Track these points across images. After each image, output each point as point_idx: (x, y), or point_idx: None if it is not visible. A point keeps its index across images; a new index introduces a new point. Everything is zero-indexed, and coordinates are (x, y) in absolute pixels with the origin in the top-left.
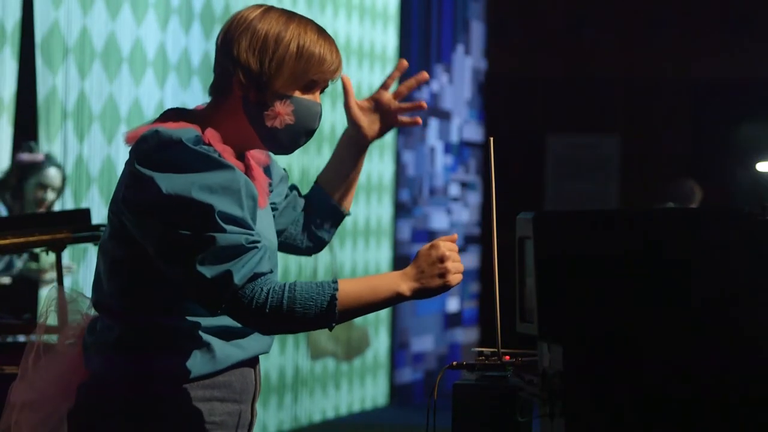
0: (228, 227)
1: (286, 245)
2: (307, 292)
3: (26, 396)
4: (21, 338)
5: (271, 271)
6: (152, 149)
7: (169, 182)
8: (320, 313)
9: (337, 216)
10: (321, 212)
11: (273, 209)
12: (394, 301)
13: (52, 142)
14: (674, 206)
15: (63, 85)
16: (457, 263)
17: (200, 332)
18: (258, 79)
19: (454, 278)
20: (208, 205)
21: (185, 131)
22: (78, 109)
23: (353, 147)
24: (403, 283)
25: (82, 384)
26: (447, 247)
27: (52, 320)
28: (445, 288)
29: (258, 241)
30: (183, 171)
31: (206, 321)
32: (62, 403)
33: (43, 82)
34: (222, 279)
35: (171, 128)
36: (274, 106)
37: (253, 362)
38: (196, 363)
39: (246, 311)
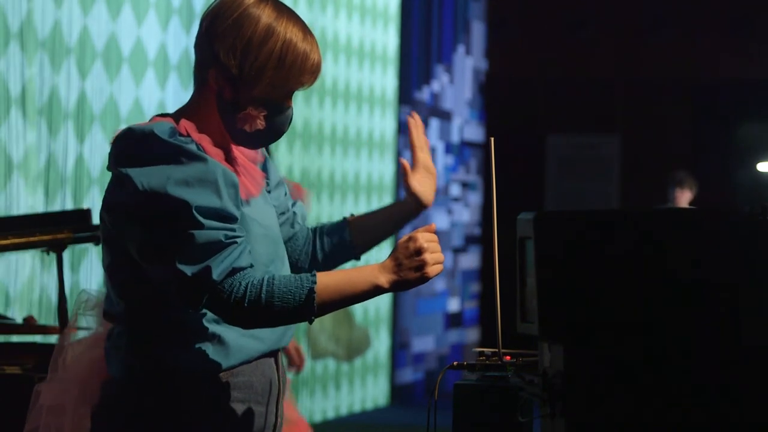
0: (206, 222)
1: None
2: (286, 285)
3: (55, 398)
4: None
5: (251, 266)
6: (126, 145)
7: (144, 178)
8: (299, 306)
9: (347, 258)
10: (335, 249)
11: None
12: (372, 293)
13: (53, 141)
14: (670, 194)
15: (64, 85)
16: (436, 254)
17: (207, 324)
18: (236, 82)
19: (433, 270)
20: (184, 202)
21: (158, 124)
22: (78, 109)
23: (406, 213)
24: (381, 275)
25: (104, 384)
26: (425, 238)
27: (82, 323)
28: (424, 280)
29: (238, 236)
30: (157, 163)
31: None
32: (87, 403)
33: (45, 81)
34: (201, 275)
35: (144, 125)
36: (247, 109)
37: (272, 356)
38: (209, 357)
39: (225, 306)
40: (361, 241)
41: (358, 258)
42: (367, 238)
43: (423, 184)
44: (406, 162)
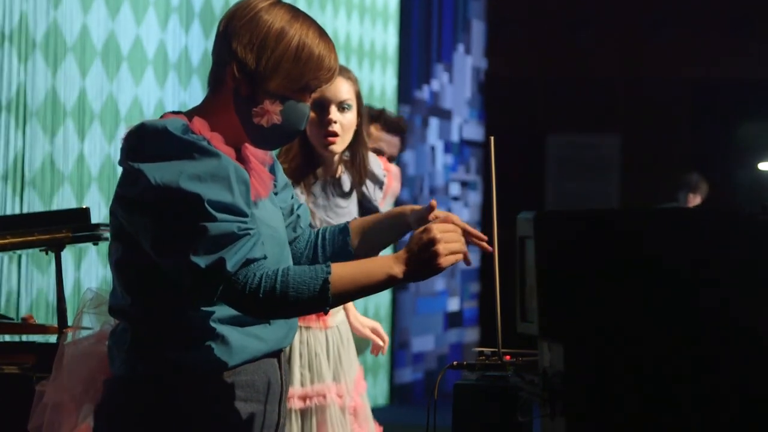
0: (219, 215)
1: None
2: (300, 276)
3: (58, 396)
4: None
5: (265, 257)
6: (139, 141)
7: (157, 173)
8: (313, 296)
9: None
10: (337, 252)
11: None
12: (387, 284)
13: (53, 140)
14: (681, 198)
15: (63, 84)
16: (450, 244)
17: (212, 324)
18: (252, 76)
19: (446, 261)
20: (197, 195)
21: (171, 121)
22: (78, 107)
23: (404, 225)
24: (395, 266)
25: (106, 382)
26: (439, 229)
27: (86, 322)
28: (437, 270)
29: (251, 228)
30: (170, 159)
31: (217, 312)
32: (90, 401)
33: (43, 80)
34: (215, 267)
35: (157, 120)
36: (263, 104)
37: (276, 356)
38: (212, 356)
39: (240, 297)
40: (361, 245)
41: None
42: (366, 242)
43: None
44: (435, 202)
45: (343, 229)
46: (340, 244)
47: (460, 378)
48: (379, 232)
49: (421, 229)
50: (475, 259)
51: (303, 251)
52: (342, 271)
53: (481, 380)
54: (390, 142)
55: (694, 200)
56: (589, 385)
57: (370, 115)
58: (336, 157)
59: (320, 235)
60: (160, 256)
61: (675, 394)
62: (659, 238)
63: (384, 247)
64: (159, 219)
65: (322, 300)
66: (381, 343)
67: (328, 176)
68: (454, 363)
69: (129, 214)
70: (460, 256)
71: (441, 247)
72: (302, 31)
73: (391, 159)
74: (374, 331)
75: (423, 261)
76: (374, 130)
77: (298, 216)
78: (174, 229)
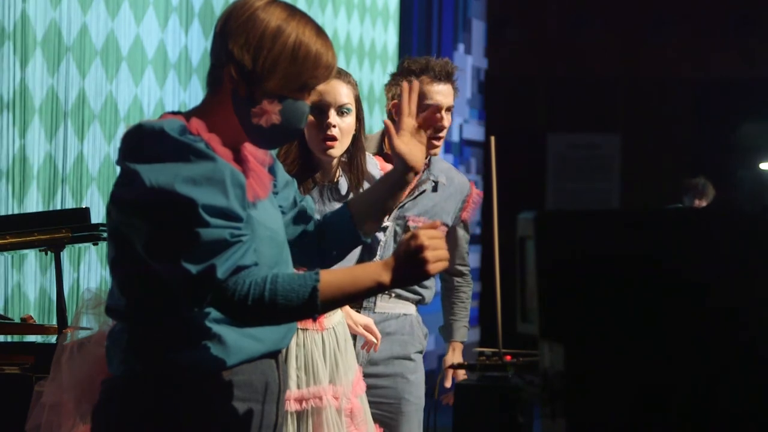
0: (212, 220)
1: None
2: (289, 283)
3: (56, 397)
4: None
5: (256, 264)
6: (136, 141)
7: (152, 174)
8: (302, 304)
9: (354, 243)
10: (340, 236)
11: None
12: (375, 290)
13: (52, 140)
14: (687, 203)
15: (62, 84)
16: (438, 251)
17: (208, 324)
18: (250, 77)
19: (434, 267)
20: (191, 200)
21: (168, 122)
22: (77, 107)
23: (395, 179)
24: (384, 273)
25: (104, 382)
26: (427, 235)
27: (85, 323)
28: (425, 277)
29: (243, 234)
30: (166, 161)
31: (214, 312)
32: (88, 402)
33: (43, 80)
34: (206, 274)
35: (154, 121)
36: (262, 104)
37: (274, 357)
38: (209, 356)
39: (229, 304)
40: (364, 214)
41: (366, 242)
42: (368, 210)
43: (409, 146)
44: (389, 122)
45: (341, 208)
46: (341, 220)
47: (460, 378)
48: (377, 195)
49: (409, 235)
50: (475, 259)
51: (314, 240)
52: (331, 278)
53: (482, 380)
54: (444, 92)
55: (700, 205)
56: (590, 385)
57: (413, 70)
58: (334, 162)
59: (321, 220)
60: (152, 258)
61: (675, 396)
62: (659, 239)
63: (391, 209)
64: (152, 222)
65: (311, 307)
66: (374, 340)
67: (326, 181)
68: (455, 363)
69: (123, 215)
70: (447, 263)
71: (429, 254)
72: (299, 29)
73: (450, 110)
74: (367, 328)
75: (411, 268)
76: (424, 84)
77: (303, 207)
78: (166, 233)
